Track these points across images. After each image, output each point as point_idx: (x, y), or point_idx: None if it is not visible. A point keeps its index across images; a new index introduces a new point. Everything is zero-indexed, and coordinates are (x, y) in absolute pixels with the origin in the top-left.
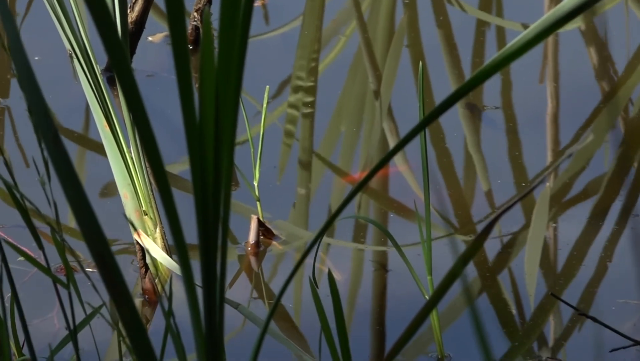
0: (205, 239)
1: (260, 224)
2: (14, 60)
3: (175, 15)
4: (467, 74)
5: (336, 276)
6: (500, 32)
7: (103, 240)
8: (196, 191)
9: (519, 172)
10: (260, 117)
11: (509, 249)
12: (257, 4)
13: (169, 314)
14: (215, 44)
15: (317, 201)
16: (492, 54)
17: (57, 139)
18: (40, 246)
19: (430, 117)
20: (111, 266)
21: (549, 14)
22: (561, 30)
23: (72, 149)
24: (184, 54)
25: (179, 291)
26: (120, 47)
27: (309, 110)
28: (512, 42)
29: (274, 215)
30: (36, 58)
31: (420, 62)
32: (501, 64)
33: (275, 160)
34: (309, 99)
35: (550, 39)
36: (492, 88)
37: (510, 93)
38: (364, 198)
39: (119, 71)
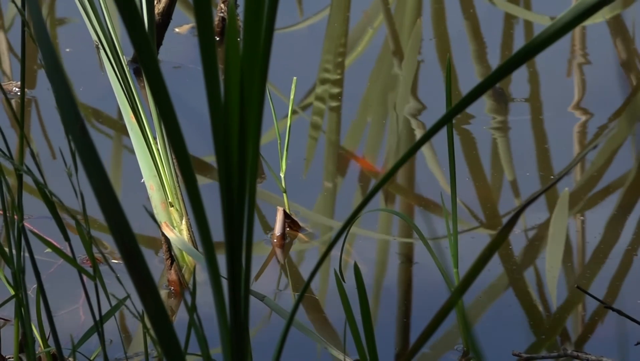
0: (231, 230)
1: (287, 216)
2: (41, 50)
3: (201, 6)
4: (495, 67)
5: (361, 267)
6: (529, 26)
7: (128, 231)
8: (221, 182)
9: (546, 165)
10: (287, 109)
11: (535, 242)
12: None
13: (192, 309)
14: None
15: (343, 193)
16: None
17: (83, 130)
18: (67, 238)
19: (457, 108)
20: (136, 257)
21: (576, 4)
22: (588, 24)
23: (107, 142)
24: (211, 45)
25: (205, 282)
26: (146, 38)
27: (335, 103)
28: (540, 33)
29: (301, 207)
30: (67, 50)
31: (448, 55)
32: (529, 54)
33: (302, 152)
34: (336, 90)
35: (577, 32)
36: (519, 80)
37: (538, 85)
38: (389, 191)
39: (145, 63)
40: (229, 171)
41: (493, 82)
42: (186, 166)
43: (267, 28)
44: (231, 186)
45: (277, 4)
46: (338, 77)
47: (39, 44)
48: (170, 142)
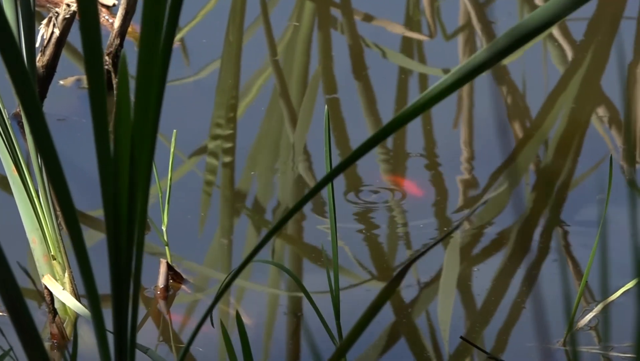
0: (118, 284)
1: (170, 268)
2: None
3: (93, 62)
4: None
5: (245, 320)
6: (423, 79)
7: (14, 285)
8: (109, 236)
9: (439, 217)
10: (177, 163)
11: (427, 294)
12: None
13: (74, 356)
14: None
15: (233, 246)
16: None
17: None
18: None
19: (345, 164)
20: (21, 311)
21: (469, 60)
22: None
23: None
24: (101, 100)
25: (87, 335)
26: (32, 91)
27: (229, 158)
28: (430, 89)
29: (187, 260)
30: None
31: (326, 107)
32: (416, 111)
33: (191, 207)
34: (228, 145)
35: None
36: (415, 135)
37: (432, 139)
38: (278, 242)
39: (30, 116)
40: (118, 225)
41: (381, 138)
42: (72, 220)
43: (159, 81)
44: (119, 240)
45: (169, 57)
46: (230, 131)
47: None
48: (56, 195)
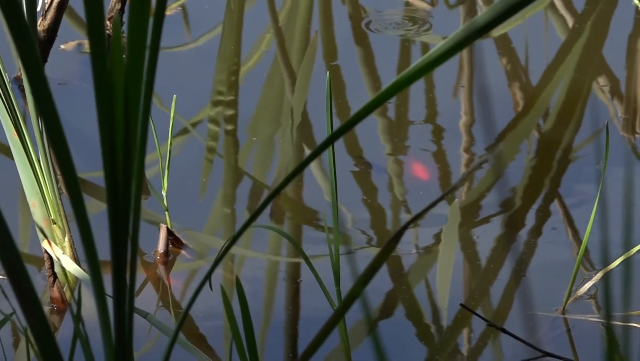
0: (116, 247)
1: (170, 233)
2: None
3: (95, 24)
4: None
5: (245, 286)
6: (425, 47)
7: (13, 248)
8: (108, 197)
9: (440, 183)
10: (179, 129)
11: (426, 261)
12: (169, 12)
13: (77, 319)
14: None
15: (233, 215)
16: None
17: None
18: None
19: (345, 127)
20: (20, 274)
21: (464, 27)
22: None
23: None
24: (102, 62)
25: (87, 300)
26: (34, 54)
27: (230, 126)
28: (431, 51)
29: (188, 226)
30: None
31: (328, 73)
32: (417, 74)
33: (194, 174)
34: (230, 111)
35: (464, 50)
36: (417, 103)
37: (434, 107)
38: (280, 210)
39: (31, 79)
40: (116, 187)
41: (379, 102)
42: (72, 184)
43: (152, 45)
44: (117, 201)
45: (162, 21)
46: (232, 97)
47: None
48: (57, 159)
